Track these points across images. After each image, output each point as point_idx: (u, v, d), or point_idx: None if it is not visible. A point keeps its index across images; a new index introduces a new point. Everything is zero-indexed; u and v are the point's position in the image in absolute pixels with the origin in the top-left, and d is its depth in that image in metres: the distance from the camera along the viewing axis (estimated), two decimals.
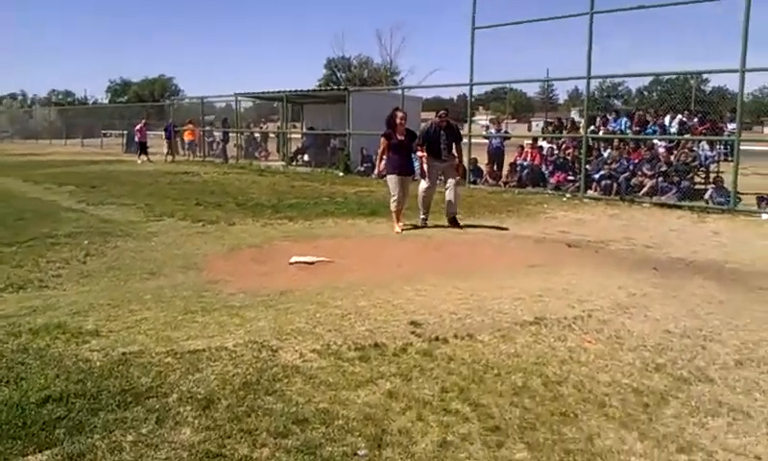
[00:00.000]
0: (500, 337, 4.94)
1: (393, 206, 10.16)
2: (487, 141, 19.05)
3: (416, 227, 10.35)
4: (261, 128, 32.25)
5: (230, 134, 28.15)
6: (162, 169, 23.04)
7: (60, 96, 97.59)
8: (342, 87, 22.96)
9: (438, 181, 10.71)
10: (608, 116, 18.76)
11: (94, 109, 57.61)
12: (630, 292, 6.30)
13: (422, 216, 10.62)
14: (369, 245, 8.94)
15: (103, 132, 43.63)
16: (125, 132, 37.59)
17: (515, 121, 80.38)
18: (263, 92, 26.17)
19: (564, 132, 18.48)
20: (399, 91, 22.38)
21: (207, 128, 30.37)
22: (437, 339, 4.84)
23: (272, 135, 29.91)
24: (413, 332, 4.99)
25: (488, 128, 21.29)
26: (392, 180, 10.10)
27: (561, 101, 61.57)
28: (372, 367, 4.31)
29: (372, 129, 20.14)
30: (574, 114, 31.87)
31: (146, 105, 49.21)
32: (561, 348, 4.77)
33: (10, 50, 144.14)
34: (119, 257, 7.87)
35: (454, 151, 10.58)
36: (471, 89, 17.51)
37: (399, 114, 10.13)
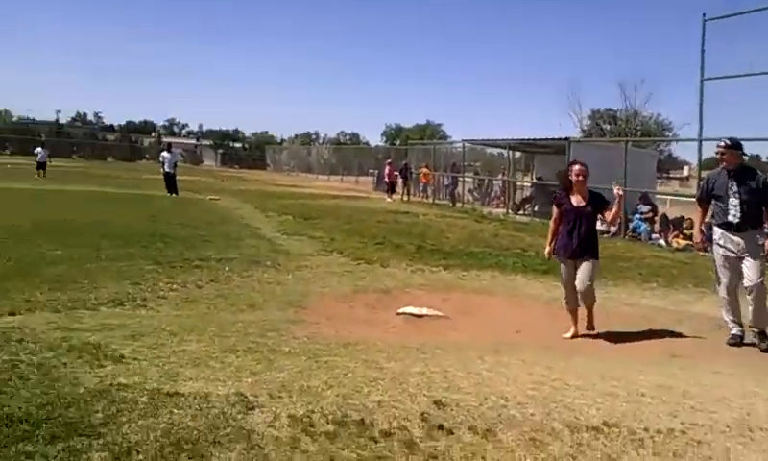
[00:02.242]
0: (528, 440, 3.83)
1: (563, 304, 7.02)
2: None
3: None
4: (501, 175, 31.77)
5: (459, 179, 28.08)
6: (389, 208, 23.58)
7: (348, 137, 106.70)
8: (563, 138, 21.54)
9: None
10: None
11: (362, 149, 61.75)
12: None
13: (735, 327, 6.72)
14: (503, 305, 7.96)
15: (370, 170, 46.44)
16: (374, 171, 39.71)
17: None
18: (488, 139, 25.78)
19: None
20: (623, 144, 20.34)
21: (439, 173, 30.65)
22: (440, 428, 3.89)
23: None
24: (423, 414, 4.08)
25: None
26: (561, 267, 6.91)
27: None
28: (327, 448, 3.54)
29: (593, 182, 18.68)
30: None
31: (395, 147, 51.53)
32: None
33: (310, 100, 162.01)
34: (240, 286, 7.92)
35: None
36: (701, 146, 15.30)
37: (576, 168, 6.86)
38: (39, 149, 31.52)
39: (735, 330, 6.69)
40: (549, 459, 3.63)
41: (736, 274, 6.60)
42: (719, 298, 6.91)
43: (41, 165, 30.19)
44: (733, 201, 6.53)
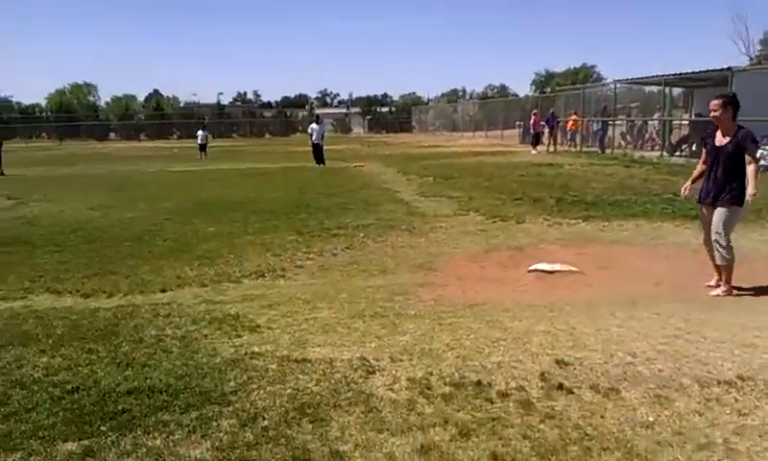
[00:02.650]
0: (653, 397, 3.66)
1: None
2: None
3: None
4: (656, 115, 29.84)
5: (610, 124, 26.72)
6: (534, 161, 22.98)
7: (496, 90, 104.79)
8: (727, 67, 19.69)
9: None
10: None
11: (508, 101, 60.30)
12: None
13: None
14: (644, 256, 7.57)
15: (517, 123, 45.18)
16: (521, 123, 38.68)
17: None
18: (642, 77, 24.21)
19: None
20: None
21: (585, 118, 29.29)
22: (560, 388, 3.82)
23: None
24: (543, 374, 4.02)
25: None
26: (699, 212, 6.50)
27: None
28: (442, 410, 3.60)
29: (761, 114, 17.08)
30: None
31: (545, 95, 49.70)
32: (729, 424, 3.34)
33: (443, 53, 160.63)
34: (373, 252, 8.14)
35: None
36: None
37: (711, 102, 6.08)
38: (200, 131, 33.60)
39: None
40: (673, 416, 3.46)
41: None
42: None
43: (203, 147, 32.20)
44: None
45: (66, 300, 6.42)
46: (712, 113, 6.02)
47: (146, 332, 5.11)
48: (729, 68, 19.49)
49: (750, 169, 5.87)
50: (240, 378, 4.15)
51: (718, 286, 6.07)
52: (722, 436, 3.24)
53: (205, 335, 5.05)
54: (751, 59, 51.61)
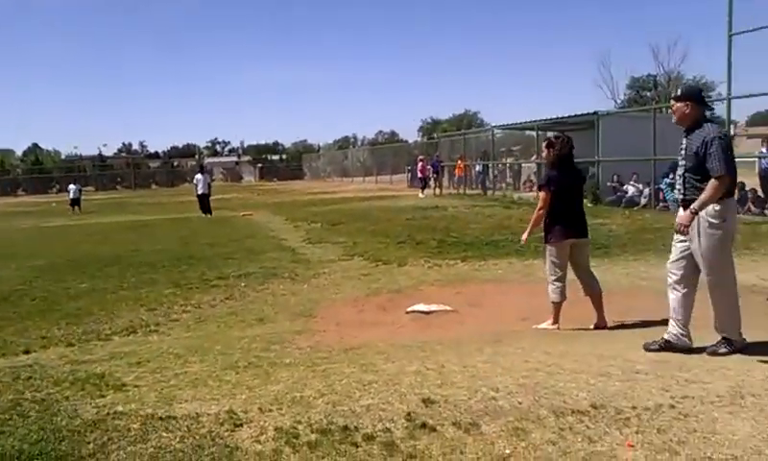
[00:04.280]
0: (511, 430, 3.81)
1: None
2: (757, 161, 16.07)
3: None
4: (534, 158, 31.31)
5: (490, 167, 27.87)
6: (420, 204, 23.52)
7: (386, 136, 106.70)
8: (593, 112, 21.07)
9: None
10: None
11: (397, 147, 61.54)
12: None
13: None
14: (513, 292, 7.91)
15: (407, 168, 45.97)
16: (409, 168, 39.61)
17: None
18: (516, 123, 25.50)
19: None
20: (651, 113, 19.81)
21: (469, 163, 30.41)
22: (423, 427, 3.90)
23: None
24: (409, 414, 4.08)
25: None
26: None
27: None
28: (308, 458, 3.58)
29: (624, 154, 18.36)
30: None
31: (432, 140, 51.23)
32: (579, 452, 3.52)
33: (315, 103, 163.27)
34: (254, 301, 8.07)
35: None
36: (729, 104, 14.86)
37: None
38: (72, 186, 32.91)
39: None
40: (529, 447, 3.60)
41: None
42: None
43: (75, 201, 31.25)
44: (680, 170, 4.99)
45: None
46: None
47: (3, 397, 4.81)
48: (595, 112, 20.81)
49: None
50: (100, 440, 3.97)
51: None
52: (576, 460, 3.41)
53: (67, 397, 4.79)
54: (616, 102, 55.70)
